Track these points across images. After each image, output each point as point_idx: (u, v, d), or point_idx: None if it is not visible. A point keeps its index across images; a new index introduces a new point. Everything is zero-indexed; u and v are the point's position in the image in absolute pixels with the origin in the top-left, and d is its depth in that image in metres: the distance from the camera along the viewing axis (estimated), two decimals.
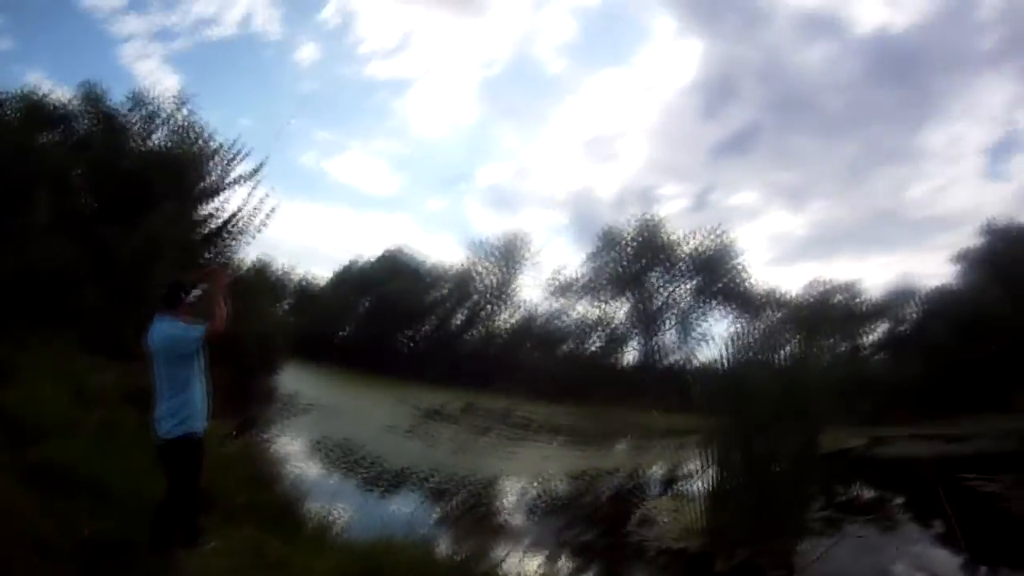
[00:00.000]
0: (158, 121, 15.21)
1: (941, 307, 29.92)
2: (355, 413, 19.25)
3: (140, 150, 14.49)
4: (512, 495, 13.11)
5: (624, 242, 37.62)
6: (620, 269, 37.60)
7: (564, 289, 38.83)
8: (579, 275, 38.92)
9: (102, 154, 14.08)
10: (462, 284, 40.62)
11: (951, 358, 25.85)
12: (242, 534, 6.14)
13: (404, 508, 10.68)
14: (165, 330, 4.85)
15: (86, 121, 14.79)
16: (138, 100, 15.21)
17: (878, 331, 34.17)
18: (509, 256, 40.81)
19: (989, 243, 29.66)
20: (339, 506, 9.06)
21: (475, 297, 40.74)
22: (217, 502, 6.31)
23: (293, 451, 13.18)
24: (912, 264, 78.48)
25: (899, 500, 13.80)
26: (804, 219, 71.97)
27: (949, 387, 24.18)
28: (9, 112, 14.43)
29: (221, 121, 70.65)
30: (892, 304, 33.63)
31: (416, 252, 42.64)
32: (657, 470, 16.14)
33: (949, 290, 30.83)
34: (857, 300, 34.49)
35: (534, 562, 8.05)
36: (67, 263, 11.52)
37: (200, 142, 15.19)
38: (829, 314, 33.38)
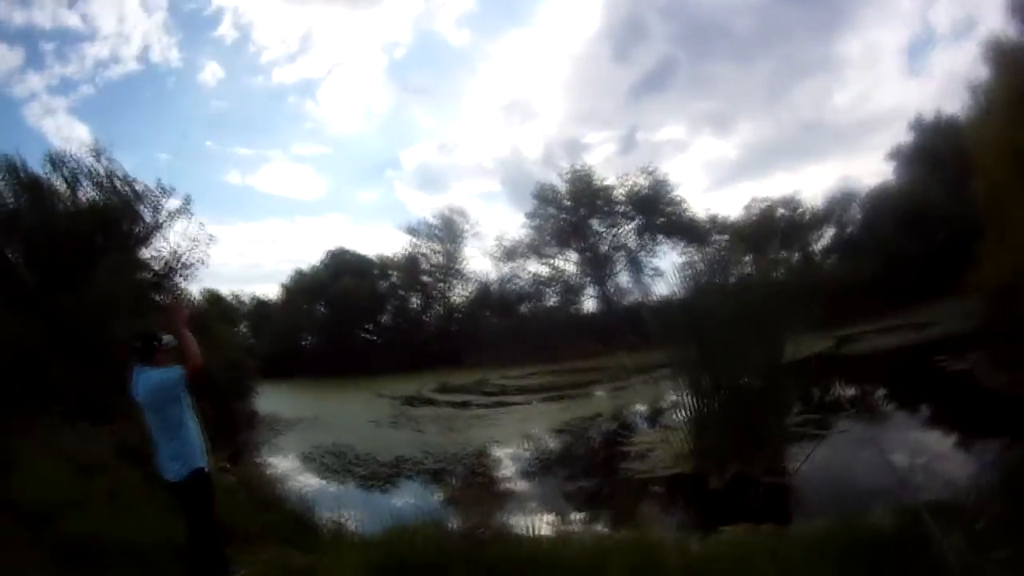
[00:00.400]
0: (81, 177, 15.06)
1: (883, 204, 30.64)
2: (337, 418, 19.39)
3: (71, 210, 14.31)
4: (506, 460, 13.57)
5: (559, 196, 38.13)
6: (561, 223, 38.15)
7: (511, 253, 39.35)
8: (523, 237, 39.49)
9: (33, 222, 13.91)
10: (410, 269, 40.75)
11: (901, 251, 26.75)
12: (265, 555, 6.56)
13: (407, 495, 11.16)
14: (148, 379, 5.02)
15: (10, 193, 14.55)
16: (56, 160, 15.03)
17: (825, 237, 34.89)
18: (450, 232, 41.13)
19: (920, 138, 30.42)
20: (347, 508, 9.51)
21: (425, 279, 41.03)
22: (233, 531, 6.55)
23: (289, 467, 13.42)
24: (848, 169, 79.68)
25: (879, 391, 14.45)
26: (734, 142, 72.15)
27: (905, 279, 25.00)
28: None
29: (140, 159, 70.02)
30: (835, 209, 34.40)
31: (358, 248, 42.75)
32: (637, 408, 16.67)
33: (888, 188, 31.61)
34: (799, 211, 35.12)
35: (542, 518, 8.26)
36: (23, 338, 11.44)
37: (126, 189, 15.11)
38: (774, 228, 34.03)
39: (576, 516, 8.60)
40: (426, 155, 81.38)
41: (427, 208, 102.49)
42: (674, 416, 11.89)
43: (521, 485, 11.45)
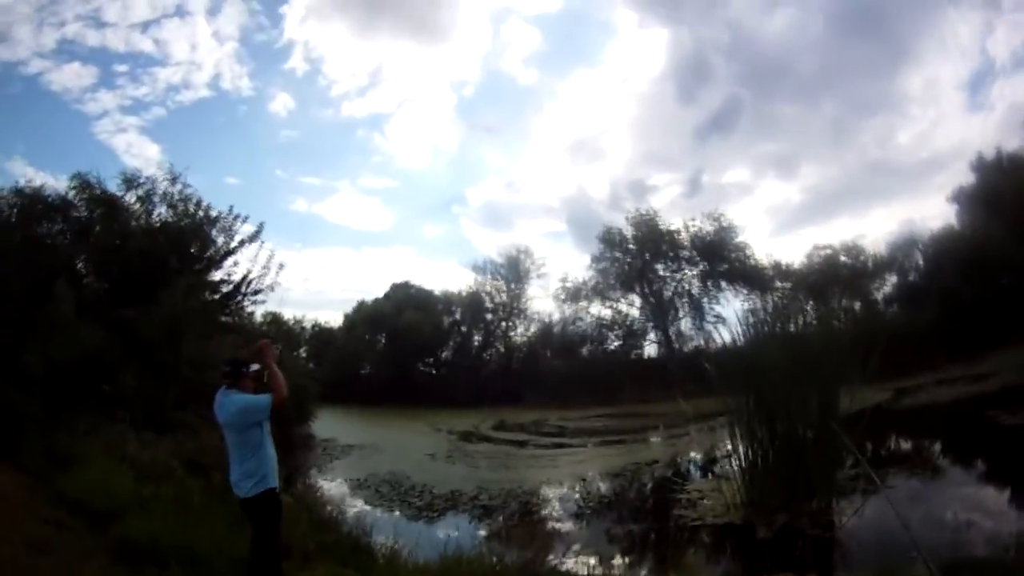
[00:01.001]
0: (155, 198, 15.52)
1: (945, 250, 29.59)
2: (393, 447, 19.51)
3: (144, 228, 14.76)
4: (559, 500, 13.57)
5: (624, 240, 38.10)
6: (625, 267, 38.18)
7: (574, 295, 39.36)
8: (587, 279, 39.52)
9: (106, 239, 14.37)
10: (473, 306, 41.19)
11: (963, 299, 25.74)
12: (320, 574, 6.67)
13: (462, 527, 11.15)
14: (236, 402, 5.33)
15: (84, 209, 15.03)
16: (131, 180, 15.48)
17: (888, 284, 33.99)
18: (514, 271, 41.52)
19: (982, 177, 29.36)
20: (402, 534, 9.55)
21: (488, 316, 41.42)
22: (290, 548, 6.67)
23: (345, 491, 13.54)
24: (912, 211, 77.11)
25: (933, 446, 14.20)
26: (798, 185, 70.76)
27: (966, 328, 24.04)
28: (6, 207, 14.59)
29: (208, 182, 70.79)
30: (897, 255, 33.41)
31: (422, 282, 43.24)
32: (692, 455, 16.56)
33: (950, 232, 30.52)
34: (862, 258, 34.24)
35: (591, 558, 8.33)
36: (97, 349, 11.80)
37: (200, 213, 15.53)
38: (837, 276, 33.40)
39: (624, 559, 8.59)
40: (493, 192, 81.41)
41: (492, 245, 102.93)
42: (728, 465, 11.99)
43: (573, 526, 11.38)
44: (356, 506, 12.02)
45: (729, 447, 11.83)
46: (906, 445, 14.79)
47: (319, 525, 8.42)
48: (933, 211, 54.82)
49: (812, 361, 10.55)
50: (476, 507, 12.51)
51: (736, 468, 11.10)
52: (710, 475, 13.58)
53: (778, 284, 35.60)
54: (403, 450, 19.50)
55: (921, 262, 32.43)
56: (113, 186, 15.36)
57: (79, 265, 14.57)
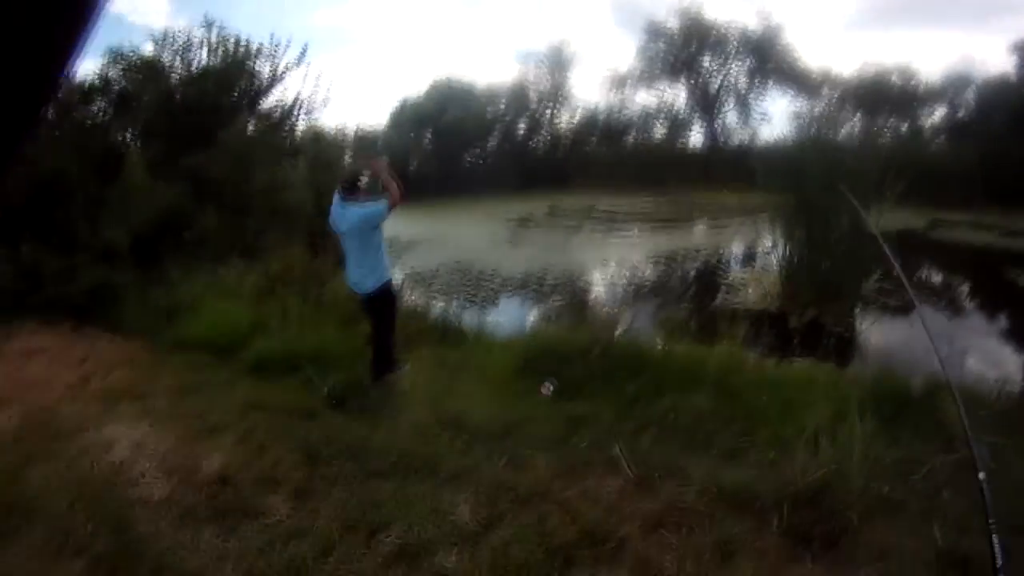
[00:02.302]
0: (193, 49, 15.63)
1: (999, 97, 28.44)
2: (455, 237, 20.19)
3: (189, 78, 14.95)
4: (617, 279, 14.82)
5: (670, 31, 37.42)
6: (671, 57, 37.55)
7: (620, 82, 38.93)
8: (632, 68, 38.94)
9: (155, 101, 14.61)
10: (517, 96, 40.87)
11: (1009, 149, 25.11)
12: (422, 353, 7.89)
13: (534, 306, 12.31)
14: (357, 212, 6.32)
15: (124, 80, 15.13)
16: (161, 39, 15.50)
17: (936, 115, 32.79)
18: (557, 60, 40.91)
19: None
20: (483, 315, 10.77)
21: (532, 106, 41.07)
22: None
23: (420, 281, 14.03)
24: (971, 45, 70.18)
25: (957, 283, 14.80)
26: None
27: (1008, 178, 23.63)
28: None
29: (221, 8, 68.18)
30: (949, 88, 31.96)
31: (465, 76, 42.68)
32: (734, 247, 17.52)
33: (1005, 80, 29.05)
34: (913, 81, 32.94)
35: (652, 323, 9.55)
36: (171, 203, 12.26)
37: (241, 50, 15.65)
38: (886, 94, 32.39)
39: (674, 322, 9.56)
40: None
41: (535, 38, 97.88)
42: (767, 259, 13.00)
43: (631, 298, 12.69)
44: (434, 293, 12.89)
45: (769, 242, 12.73)
46: (935, 276, 15.35)
47: (410, 313, 9.27)
48: (992, 53, 49.77)
49: (850, 173, 11.22)
50: (544, 286, 13.61)
51: (774, 262, 12.24)
52: (750, 267, 14.48)
53: (826, 91, 34.81)
54: (463, 240, 20.21)
55: (973, 101, 31.05)
56: (148, 50, 15.43)
57: (130, 133, 14.84)
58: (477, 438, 5.11)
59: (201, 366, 7.60)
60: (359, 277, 6.48)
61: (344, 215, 6.38)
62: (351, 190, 6.43)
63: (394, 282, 6.79)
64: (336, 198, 6.53)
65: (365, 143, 38.38)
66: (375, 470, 4.46)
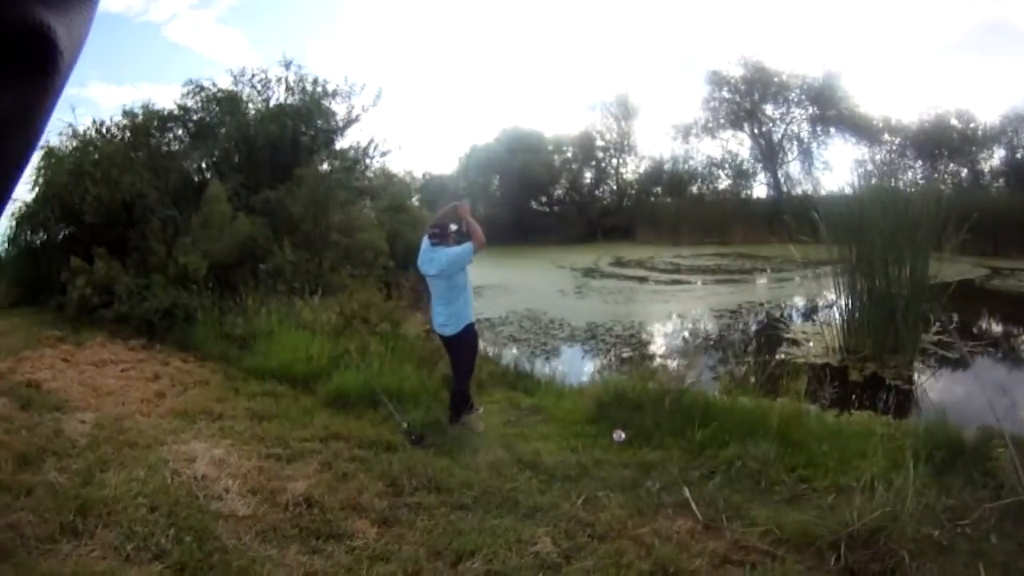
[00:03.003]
0: (272, 85, 16.15)
1: None
2: (522, 285, 20.19)
3: (268, 114, 15.34)
4: (683, 332, 14.90)
5: (733, 80, 37.55)
6: (735, 106, 37.58)
7: (684, 132, 39.03)
8: (697, 118, 39.03)
9: (235, 131, 15.02)
10: (584, 145, 41.07)
11: None
12: (495, 396, 8.21)
13: (603, 355, 12.39)
14: (447, 254, 6.62)
15: (202, 111, 15.49)
16: (239, 75, 15.92)
17: (996, 157, 32.35)
18: (624, 108, 41.13)
19: None
20: (554, 362, 10.91)
21: (599, 155, 41.32)
22: None
23: (490, 327, 14.19)
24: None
25: (1016, 333, 14.52)
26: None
27: None
28: (116, 129, 14.90)
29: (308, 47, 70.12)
30: (1008, 128, 31.46)
31: (534, 125, 43.37)
32: (797, 300, 17.60)
33: None
34: (972, 124, 32.31)
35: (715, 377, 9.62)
36: (249, 235, 12.55)
37: (317, 88, 16.17)
38: (945, 138, 32.10)
39: (736, 377, 9.52)
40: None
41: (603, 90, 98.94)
42: (829, 313, 13.09)
43: (695, 350, 12.68)
44: (506, 340, 13.06)
45: (831, 296, 12.91)
46: (995, 327, 15.01)
47: (482, 358, 9.30)
48: None
49: (911, 223, 11.37)
50: (612, 336, 13.68)
51: (836, 316, 12.28)
52: (813, 320, 14.49)
53: (887, 137, 34.60)
54: (531, 288, 20.22)
55: None
56: (226, 84, 15.95)
57: (206, 163, 15.27)
58: (553, 478, 5.36)
59: (277, 394, 7.88)
60: (445, 319, 6.76)
61: (433, 258, 6.67)
62: (440, 235, 6.71)
63: (474, 324, 6.96)
64: (425, 242, 6.81)
65: (451, 191, 39.20)
66: (457, 503, 4.69)
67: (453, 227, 6.82)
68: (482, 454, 5.93)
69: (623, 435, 6.37)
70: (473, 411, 6.93)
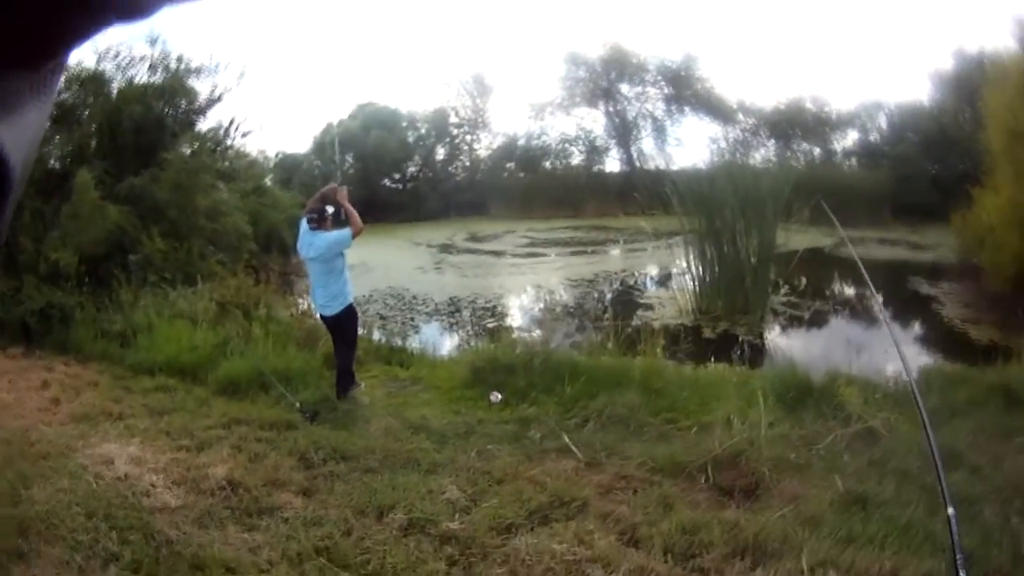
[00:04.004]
0: (135, 64, 15.45)
1: (910, 121, 30.05)
2: (380, 263, 20.06)
3: (134, 94, 14.67)
4: (543, 301, 15.84)
5: (591, 60, 38.11)
6: (592, 85, 38.20)
7: (539, 110, 39.52)
8: (552, 97, 39.53)
9: (100, 116, 14.40)
10: (439, 122, 41.20)
11: (917, 171, 26.80)
12: (374, 371, 8.85)
13: (467, 327, 13.15)
14: (325, 239, 7.00)
15: (66, 93, 14.68)
16: (103, 54, 15.10)
17: (849, 139, 33.92)
18: (480, 86, 41.39)
19: (958, 67, 28.21)
20: (423, 336, 11.60)
21: (453, 132, 41.61)
22: None
23: (358, 306, 14.53)
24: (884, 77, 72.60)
25: (852, 292, 15.84)
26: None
27: (916, 198, 25.09)
28: None
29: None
30: (863, 114, 33.24)
31: (388, 103, 42.89)
32: (651, 269, 18.65)
33: (918, 106, 30.48)
34: (827, 108, 33.87)
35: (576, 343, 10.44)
36: (117, 224, 12.30)
37: (182, 68, 15.61)
38: (800, 120, 33.56)
39: (594, 339, 10.40)
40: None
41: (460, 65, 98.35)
42: (682, 279, 13.99)
43: (556, 318, 13.59)
44: (372, 318, 13.29)
45: (683, 264, 13.74)
46: (844, 289, 16.44)
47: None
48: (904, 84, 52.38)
49: (760, 197, 12.59)
50: (476, 309, 14.43)
51: (688, 282, 13.34)
52: (666, 286, 15.55)
53: (741, 118, 35.89)
54: (391, 266, 20.32)
55: (884, 126, 32.56)
56: (91, 63, 15.12)
57: (71, 149, 14.51)
58: (445, 437, 5.99)
59: (169, 388, 8.06)
60: (325, 300, 7.19)
61: (312, 243, 7.06)
62: (318, 220, 7.09)
63: (353, 305, 7.41)
64: (304, 226, 7.18)
65: (304, 170, 38.29)
66: (365, 467, 5.24)
67: (330, 210, 7.17)
68: (375, 423, 6.50)
69: (499, 396, 7.08)
70: (356, 386, 7.47)
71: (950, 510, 1.96)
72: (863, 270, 4.10)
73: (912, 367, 8.22)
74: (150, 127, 14.19)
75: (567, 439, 5.66)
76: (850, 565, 3.54)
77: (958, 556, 1.86)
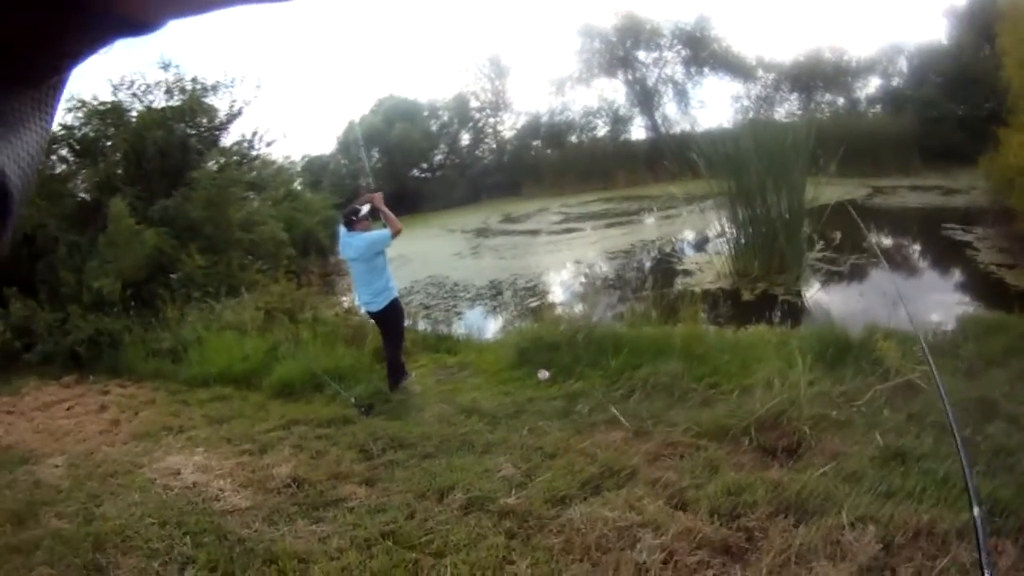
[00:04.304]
0: (151, 91, 15.67)
1: (930, 63, 29.30)
2: (418, 254, 20.22)
3: (154, 121, 14.97)
4: (582, 276, 15.89)
5: (604, 30, 37.72)
6: (608, 55, 37.89)
7: (559, 85, 39.35)
8: (571, 70, 39.34)
9: (123, 144, 14.69)
10: (460, 107, 41.21)
11: (944, 112, 26.20)
12: (423, 361, 9.03)
13: (510, 308, 13.24)
14: (364, 238, 7.18)
15: (87, 126, 14.86)
16: (119, 84, 15.33)
17: (872, 86, 33.14)
18: (497, 67, 41.48)
19: (973, 2, 27.18)
20: (468, 321, 11.72)
21: (475, 116, 41.65)
22: None
23: (400, 298, 14.66)
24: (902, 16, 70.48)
25: (897, 244, 15.82)
26: None
27: (944, 141, 24.57)
28: None
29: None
30: (883, 59, 32.50)
31: (407, 94, 42.94)
32: (686, 234, 18.51)
33: (938, 46, 29.67)
34: (846, 57, 33.16)
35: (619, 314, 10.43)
36: (154, 247, 12.52)
37: (196, 87, 15.86)
38: (820, 71, 33.00)
39: (638, 308, 10.22)
40: None
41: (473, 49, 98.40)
42: (717, 243, 13.99)
43: (600, 289, 13.62)
44: (418, 308, 13.45)
45: (717, 227, 13.71)
46: (881, 240, 15.99)
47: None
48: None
49: (786, 152, 12.41)
50: (518, 290, 14.51)
51: (724, 245, 13.28)
52: (703, 251, 15.50)
53: (761, 74, 35.43)
54: (428, 255, 20.44)
55: (905, 70, 31.84)
56: (107, 95, 15.30)
57: (98, 181, 14.68)
58: (496, 418, 6.16)
59: (225, 396, 8.34)
60: (369, 297, 7.35)
61: (351, 243, 7.23)
62: (352, 222, 7.25)
63: (398, 299, 7.57)
64: (342, 229, 7.36)
65: (332, 170, 38.52)
66: (423, 453, 5.42)
67: (364, 210, 7.34)
68: (428, 411, 6.69)
69: (547, 373, 7.26)
70: (407, 377, 7.64)
71: (975, 510, 1.88)
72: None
73: (949, 317, 8.28)
74: (174, 149, 14.48)
75: (614, 410, 5.80)
76: (889, 519, 3.60)
77: (983, 557, 1.82)
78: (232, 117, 16.14)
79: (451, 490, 4.58)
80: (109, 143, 14.80)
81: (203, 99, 15.70)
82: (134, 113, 15.17)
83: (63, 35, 0.37)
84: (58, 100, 0.45)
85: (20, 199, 0.42)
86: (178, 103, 15.38)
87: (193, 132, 15.30)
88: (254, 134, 16.63)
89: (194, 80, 15.65)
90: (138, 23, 0.38)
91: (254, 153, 17.16)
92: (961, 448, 1.94)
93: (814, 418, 5.01)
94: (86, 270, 12.12)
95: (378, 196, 7.44)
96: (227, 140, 16.46)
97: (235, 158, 16.16)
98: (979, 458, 4.20)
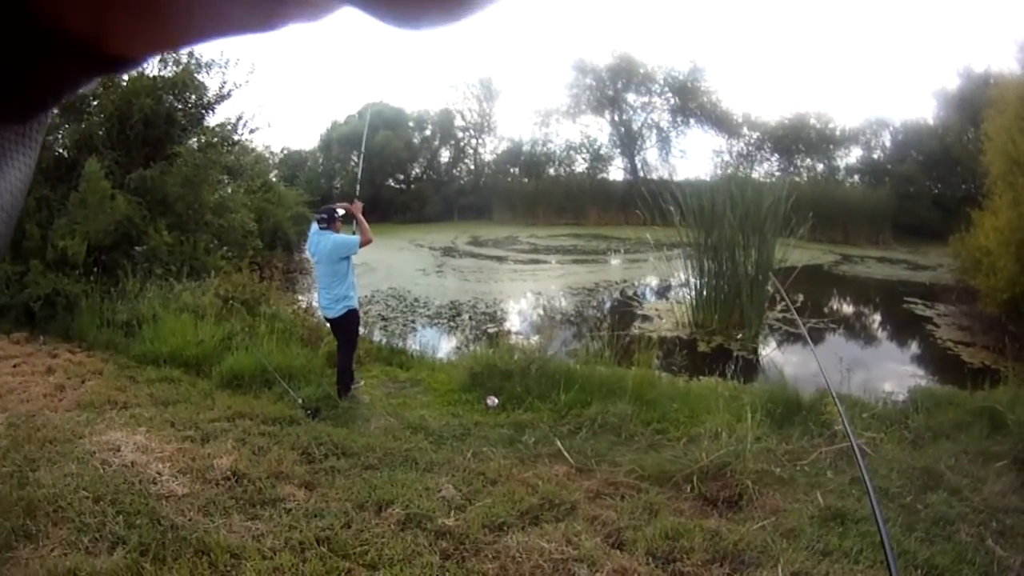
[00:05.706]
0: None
1: (913, 139, 30.15)
2: (383, 264, 20.25)
3: (144, 88, 14.69)
4: (542, 308, 15.98)
5: (598, 68, 38.25)
6: (597, 93, 38.37)
7: (545, 116, 39.75)
8: (559, 103, 39.83)
9: (110, 107, 14.42)
10: (444, 123, 41.32)
11: (920, 189, 27.23)
12: (374, 372, 9.06)
13: (467, 331, 13.30)
14: (332, 239, 7.20)
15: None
16: None
17: (853, 156, 34.12)
18: (487, 90, 41.75)
19: (964, 87, 28.28)
20: (424, 338, 11.75)
21: (459, 134, 41.87)
22: None
23: (359, 306, 14.64)
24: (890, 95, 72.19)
25: (849, 311, 16.25)
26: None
27: (918, 217, 25.57)
28: None
29: None
30: (867, 131, 33.37)
31: (394, 103, 42.89)
32: (650, 280, 18.78)
33: (923, 124, 30.56)
34: (831, 125, 33.96)
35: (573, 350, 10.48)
36: (125, 215, 12.25)
37: (192, 62, 15.66)
38: (804, 136, 33.70)
39: (592, 348, 10.24)
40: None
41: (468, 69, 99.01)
42: (680, 292, 14.27)
43: (555, 325, 13.66)
44: (373, 319, 13.43)
45: (682, 276, 13.94)
46: (842, 306, 16.66)
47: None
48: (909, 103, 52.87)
49: (761, 212, 12.70)
50: (477, 314, 14.51)
51: (686, 294, 13.52)
52: (665, 298, 15.81)
53: (745, 131, 36.15)
54: (393, 267, 20.42)
55: (888, 144, 32.77)
56: None
57: (78, 138, 14.37)
58: (442, 438, 6.21)
59: (173, 379, 8.22)
60: (328, 302, 7.37)
61: (319, 242, 7.27)
62: (328, 220, 7.28)
63: (356, 308, 7.58)
64: (314, 227, 7.39)
65: (310, 166, 38.29)
66: (365, 464, 5.44)
67: (340, 212, 7.39)
68: (374, 422, 6.72)
69: (496, 400, 7.33)
70: (356, 383, 7.68)
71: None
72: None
73: (902, 387, 8.52)
74: (160, 120, 14.19)
75: (560, 445, 5.92)
76: None
77: None
78: (221, 98, 15.85)
79: (390, 504, 4.61)
80: (96, 102, 14.53)
81: (195, 75, 15.50)
82: (125, 77, 14.92)
83: (49, 73, 0.37)
84: (42, 134, 0.44)
85: (3, 234, 0.42)
86: (170, 74, 15.15)
87: (180, 106, 15.04)
88: (239, 119, 16.38)
89: (190, 54, 15.46)
90: (122, 60, 0.39)
91: (236, 138, 16.88)
92: (879, 514, 2.04)
93: (758, 472, 5.13)
94: (54, 227, 11.89)
95: (359, 204, 7.49)
96: (212, 120, 16.25)
97: (216, 139, 15.92)
98: (918, 525, 4.37)
